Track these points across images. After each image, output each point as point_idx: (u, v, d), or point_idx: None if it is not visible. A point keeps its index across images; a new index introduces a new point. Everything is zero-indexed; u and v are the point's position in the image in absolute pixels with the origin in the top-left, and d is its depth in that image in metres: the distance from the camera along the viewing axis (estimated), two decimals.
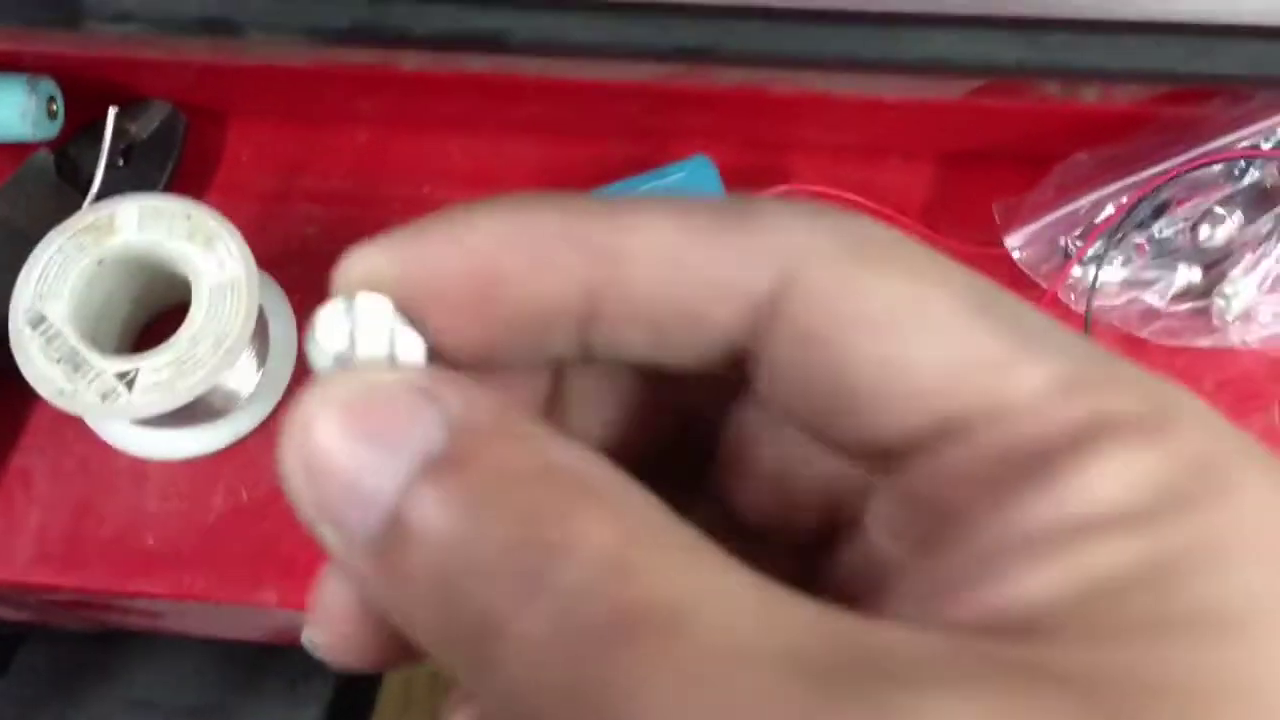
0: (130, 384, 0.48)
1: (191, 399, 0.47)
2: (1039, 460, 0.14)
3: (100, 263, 0.50)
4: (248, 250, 0.49)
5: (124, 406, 0.47)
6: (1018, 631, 0.13)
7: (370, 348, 0.16)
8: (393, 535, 0.14)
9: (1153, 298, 0.50)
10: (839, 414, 0.15)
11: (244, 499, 0.51)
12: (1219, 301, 0.50)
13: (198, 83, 0.58)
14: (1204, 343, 0.51)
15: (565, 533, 0.13)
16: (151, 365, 0.48)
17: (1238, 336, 0.50)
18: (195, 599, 0.50)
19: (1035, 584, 0.13)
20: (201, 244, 0.50)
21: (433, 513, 0.14)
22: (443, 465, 0.14)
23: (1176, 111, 0.49)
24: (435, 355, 0.17)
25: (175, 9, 0.42)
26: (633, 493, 0.14)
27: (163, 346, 0.48)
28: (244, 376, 0.52)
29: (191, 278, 0.49)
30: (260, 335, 0.53)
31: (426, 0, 0.40)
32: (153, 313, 0.55)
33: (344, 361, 0.16)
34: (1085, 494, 0.13)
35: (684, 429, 0.19)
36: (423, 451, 0.14)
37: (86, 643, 0.64)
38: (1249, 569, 0.13)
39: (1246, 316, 0.50)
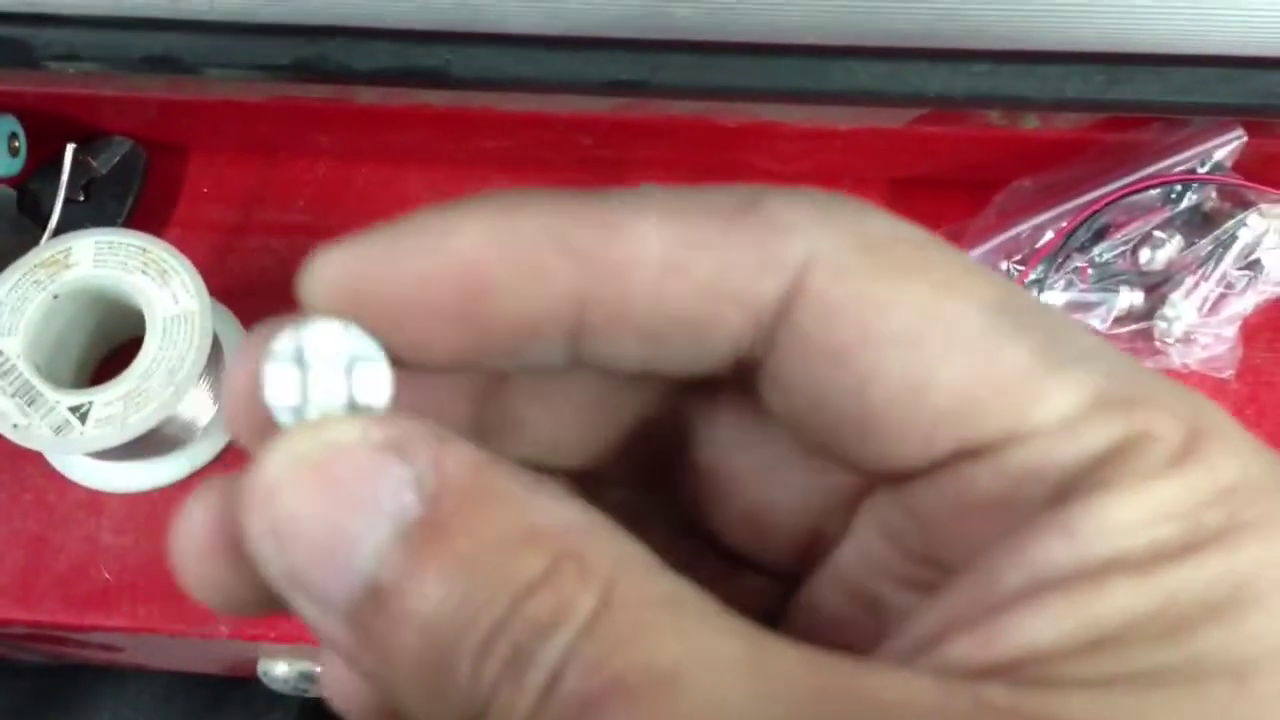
0: (83, 417, 0.48)
1: (144, 431, 0.48)
2: (1058, 491, 0.13)
3: (56, 297, 0.51)
4: (202, 284, 0.50)
5: (77, 440, 0.48)
6: (1017, 679, 0.12)
7: (326, 396, 0.15)
8: (371, 605, 0.13)
9: (1095, 321, 0.51)
10: (850, 433, 0.14)
11: None
12: (1160, 324, 0.51)
13: (158, 118, 0.58)
14: (1146, 365, 0.51)
15: (552, 607, 0.13)
16: (104, 399, 0.48)
17: (1179, 359, 0.51)
18: (150, 632, 0.50)
19: (1040, 629, 0.12)
20: (156, 278, 0.50)
21: (411, 586, 0.13)
22: (418, 532, 0.13)
23: (1115, 137, 0.50)
24: (401, 364, 0.15)
25: (123, 48, 0.43)
26: (614, 547, 0.13)
27: (115, 380, 0.48)
28: (200, 408, 0.53)
29: (146, 311, 0.50)
30: (216, 367, 0.53)
31: (367, 37, 0.41)
32: (111, 346, 0.56)
33: (299, 412, 0.15)
34: (1101, 533, 0.13)
35: (648, 433, 0.18)
36: (396, 515, 0.14)
37: (47, 676, 0.64)
38: (1263, 615, 0.12)
39: (1187, 339, 0.51)
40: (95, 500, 0.53)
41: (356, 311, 0.15)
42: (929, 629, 0.13)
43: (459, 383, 0.17)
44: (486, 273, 0.15)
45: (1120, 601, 0.12)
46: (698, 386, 0.17)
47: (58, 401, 0.48)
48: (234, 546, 0.15)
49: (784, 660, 0.12)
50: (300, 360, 0.15)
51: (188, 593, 0.17)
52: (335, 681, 0.17)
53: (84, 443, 0.48)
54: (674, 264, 0.14)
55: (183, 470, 0.53)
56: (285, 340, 0.15)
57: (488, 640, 0.13)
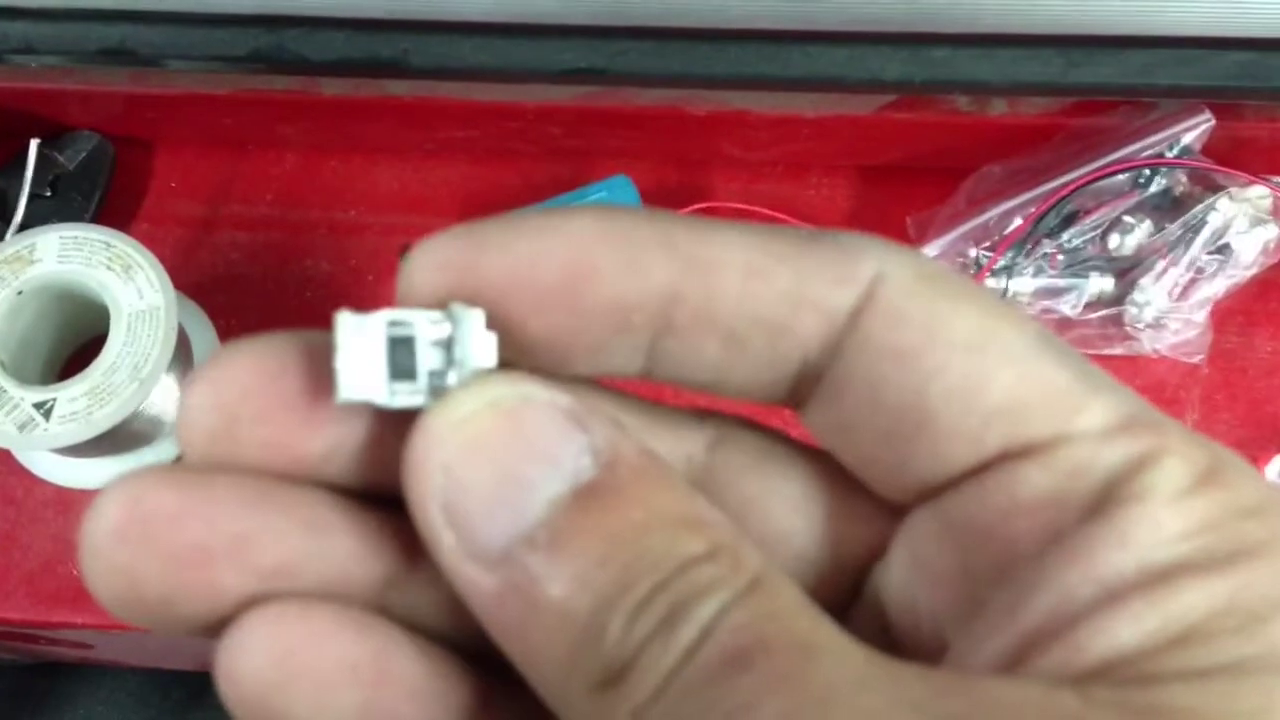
0: (48, 414, 0.48)
1: (109, 427, 0.47)
2: (1101, 491, 0.14)
3: (20, 293, 0.50)
4: (166, 278, 0.50)
5: (42, 436, 0.47)
6: (1114, 680, 0.13)
7: (483, 359, 0.15)
8: (526, 554, 0.14)
9: (1065, 307, 0.51)
10: (905, 433, 0.16)
11: None
12: (1131, 309, 0.51)
13: (124, 113, 0.58)
14: (1117, 351, 0.51)
15: (711, 577, 0.14)
16: (68, 395, 0.48)
17: (1150, 344, 0.51)
18: (119, 629, 0.50)
19: (1125, 631, 0.14)
20: (121, 273, 0.50)
21: (577, 542, 0.14)
22: (592, 494, 0.14)
23: (1083, 122, 0.50)
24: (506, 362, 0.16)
25: (79, 40, 0.42)
26: (760, 554, 0.15)
27: (79, 376, 0.48)
28: (167, 404, 0.52)
29: (110, 306, 0.49)
30: (183, 362, 0.53)
31: (325, 27, 0.40)
32: (78, 342, 0.56)
33: (393, 393, 0.15)
34: (1158, 542, 0.14)
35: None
36: (572, 474, 0.15)
37: (21, 673, 0.64)
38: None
39: (1158, 324, 0.51)
40: (63, 497, 0.52)
41: (461, 292, 0.16)
42: (1009, 644, 0.14)
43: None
44: (592, 255, 0.16)
45: (1194, 600, 0.14)
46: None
47: (22, 398, 0.48)
48: (145, 536, 0.15)
49: (901, 663, 0.13)
50: (390, 339, 0.15)
51: (93, 589, 0.16)
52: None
53: (49, 439, 0.47)
54: (758, 269, 0.16)
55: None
56: (376, 321, 0.16)
57: (646, 600, 0.14)
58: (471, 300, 0.16)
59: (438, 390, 0.15)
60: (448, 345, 0.15)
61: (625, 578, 0.14)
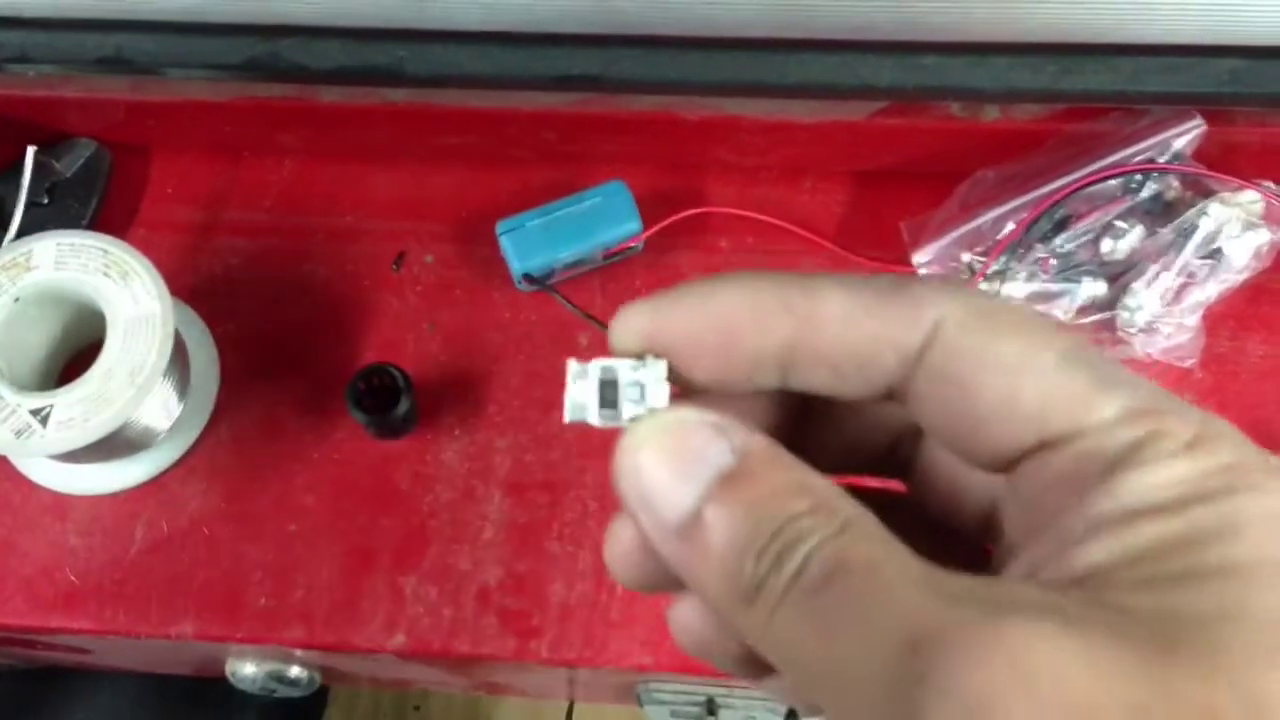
0: (44, 420, 0.48)
1: (106, 434, 0.48)
2: (1107, 466, 0.20)
3: (17, 300, 0.50)
4: (163, 285, 0.50)
5: (39, 443, 0.48)
6: (1087, 585, 0.19)
7: (630, 404, 0.23)
8: (694, 523, 0.21)
9: (1058, 311, 0.51)
10: (968, 431, 0.22)
11: (164, 532, 0.52)
12: (1123, 314, 0.51)
13: (122, 120, 0.58)
14: (1109, 355, 0.51)
15: (808, 527, 0.20)
16: (65, 401, 0.48)
17: (1142, 348, 0.51)
18: (114, 634, 0.50)
19: (1098, 553, 0.19)
20: (118, 279, 0.50)
21: (725, 512, 0.21)
22: (731, 479, 0.21)
23: (1076, 127, 0.50)
24: (674, 383, 0.23)
25: (75, 50, 0.43)
26: (851, 504, 0.21)
27: (77, 382, 0.48)
28: (164, 410, 0.52)
29: (107, 313, 0.50)
30: (180, 368, 0.53)
31: (321, 36, 0.41)
32: (75, 349, 0.56)
33: (611, 416, 0.23)
34: (1136, 490, 0.19)
35: (888, 448, 0.27)
36: (717, 467, 0.21)
37: (20, 679, 0.64)
38: (1260, 538, 0.19)
39: (1150, 328, 0.51)
40: (60, 503, 0.52)
41: (652, 347, 0.23)
42: (1029, 563, 0.21)
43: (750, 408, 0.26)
44: (736, 323, 0.23)
45: (1150, 532, 0.19)
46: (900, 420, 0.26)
47: (19, 405, 0.48)
48: (645, 554, 0.23)
49: (946, 573, 0.19)
50: (601, 381, 0.23)
51: (622, 583, 0.24)
52: (682, 624, 0.25)
53: (45, 445, 0.47)
54: (850, 318, 0.22)
55: (148, 472, 0.53)
56: (593, 368, 0.23)
57: (766, 546, 0.20)
58: (658, 352, 0.23)
59: (631, 418, 0.23)
60: (641, 387, 0.23)
61: (754, 532, 0.21)
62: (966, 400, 0.21)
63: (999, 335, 0.21)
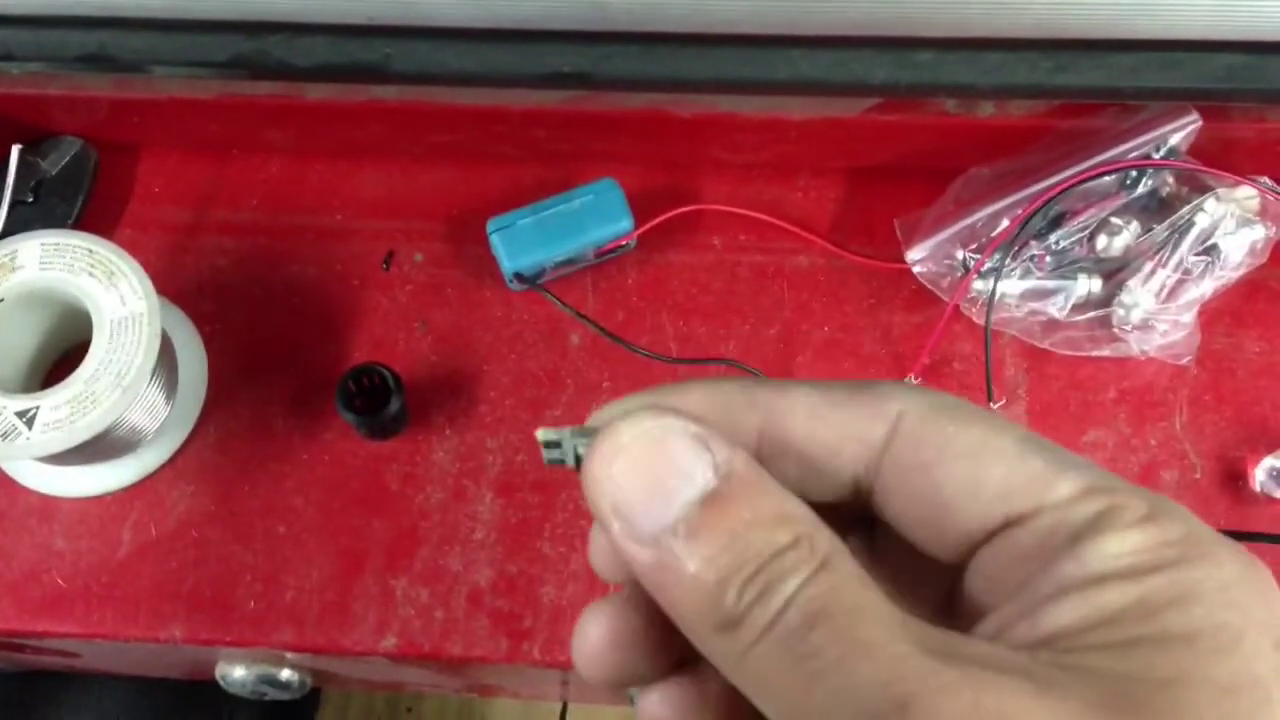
0: (30, 422, 0.47)
1: (92, 435, 0.47)
2: (1071, 537, 0.21)
3: (1, 301, 0.50)
4: (150, 285, 0.49)
5: (24, 445, 0.47)
6: (1055, 647, 0.20)
7: None
8: (670, 539, 0.21)
9: (1053, 309, 0.51)
10: (936, 516, 0.23)
11: (152, 535, 0.51)
12: (1118, 311, 0.50)
13: (107, 118, 0.57)
14: (1105, 352, 0.51)
15: (793, 563, 0.20)
16: (51, 403, 0.48)
17: (1138, 346, 0.50)
18: (102, 638, 0.49)
19: (1065, 615, 0.20)
20: (104, 279, 0.50)
21: (706, 538, 0.21)
22: (714, 499, 0.21)
23: (1070, 124, 0.50)
24: None
25: (58, 47, 0.42)
26: (831, 539, 0.21)
27: (62, 384, 0.48)
28: (151, 411, 0.52)
29: (93, 313, 0.49)
30: (168, 369, 0.52)
31: (306, 32, 0.40)
32: (62, 350, 0.55)
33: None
34: (1101, 556, 0.21)
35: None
36: (700, 484, 0.21)
37: (8, 682, 0.63)
38: (1213, 606, 0.20)
39: (1146, 326, 0.50)
40: (47, 505, 0.52)
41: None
42: (1000, 622, 0.22)
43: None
44: (704, 416, 0.22)
45: (1113, 597, 0.20)
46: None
47: (4, 406, 0.47)
48: (624, 640, 0.24)
49: (923, 624, 0.20)
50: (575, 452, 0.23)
51: (592, 681, 0.24)
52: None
53: (31, 448, 0.47)
54: (818, 414, 0.23)
55: (135, 474, 0.52)
56: (566, 433, 0.23)
57: (751, 577, 0.20)
58: None
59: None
60: None
61: (737, 561, 0.21)
62: (932, 485, 0.22)
63: (959, 424, 0.22)
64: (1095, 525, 0.21)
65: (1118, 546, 0.21)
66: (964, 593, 0.24)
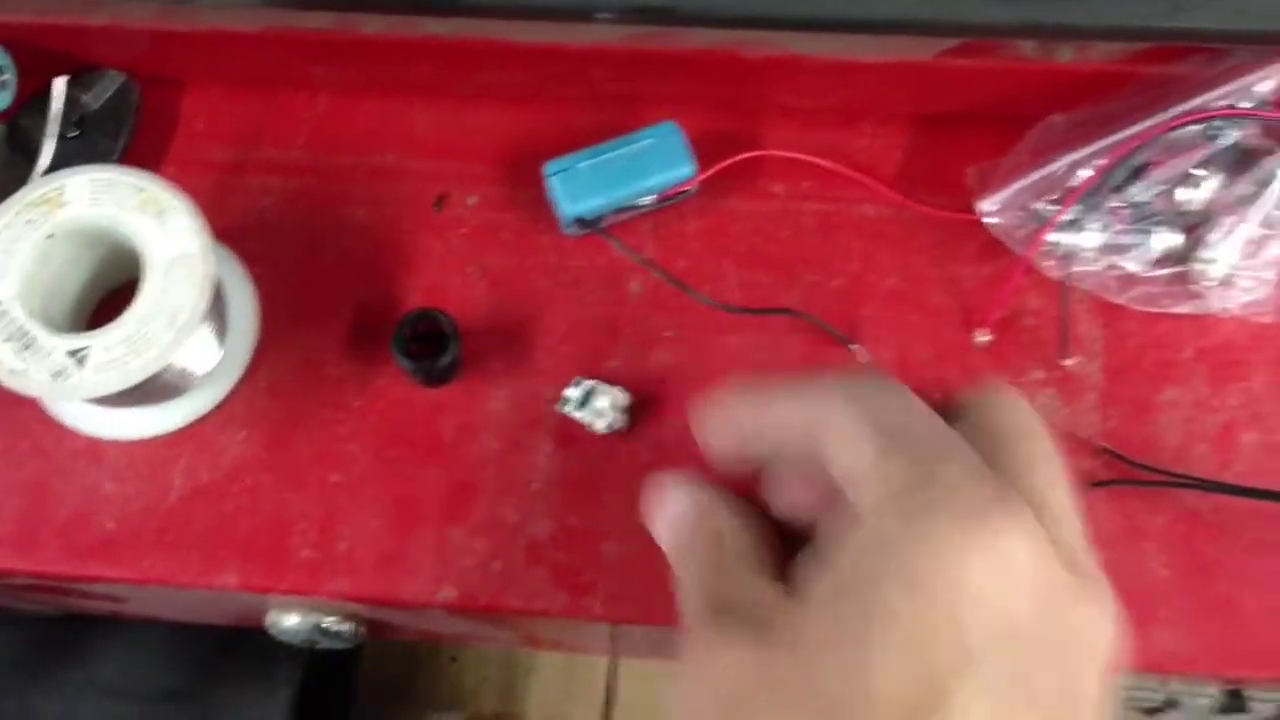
0: (82, 362, 0.46)
1: (145, 377, 0.46)
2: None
3: (50, 237, 0.48)
4: (202, 223, 0.48)
5: (76, 385, 0.46)
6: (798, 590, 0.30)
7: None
8: (663, 539, 0.36)
9: (1131, 263, 0.49)
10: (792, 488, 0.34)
11: (203, 479, 0.50)
12: (1198, 267, 0.49)
13: (151, 51, 0.56)
14: (1184, 309, 0.50)
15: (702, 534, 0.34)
16: (103, 343, 0.46)
17: (1218, 303, 0.49)
18: (154, 583, 0.49)
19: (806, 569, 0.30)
20: (154, 217, 0.48)
21: (678, 544, 0.35)
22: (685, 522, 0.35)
23: (1153, 71, 0.48)
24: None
25: None
26: (738, 540, 0.34)
27: (115, 323, 0.46)
28: (202, 353, 0.51)
29: (144, 252, 0.48)
30: (218, 310, 0.51)
31: None
32: (108, 288, 0.54)
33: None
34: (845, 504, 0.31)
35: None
36: (708, 537, 0.34)
37: (50, 625, 0.63)
38: (849, 555, 0.29)
39: (1227, 282, 0.49)
40: (94, 448, 0.51)
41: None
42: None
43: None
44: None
45: (817, 544, 0.31)
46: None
47: (55, 346, 0.46)
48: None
49: (753, 571, 0.33)
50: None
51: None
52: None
53: (84, 389, 0.46)
54: (760, 426, 0.35)
55: (184, 418, 0.51)
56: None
57: (687, 569, 0.34)
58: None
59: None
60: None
61: (685, 553, 0.35)
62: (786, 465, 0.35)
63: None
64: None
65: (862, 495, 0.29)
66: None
